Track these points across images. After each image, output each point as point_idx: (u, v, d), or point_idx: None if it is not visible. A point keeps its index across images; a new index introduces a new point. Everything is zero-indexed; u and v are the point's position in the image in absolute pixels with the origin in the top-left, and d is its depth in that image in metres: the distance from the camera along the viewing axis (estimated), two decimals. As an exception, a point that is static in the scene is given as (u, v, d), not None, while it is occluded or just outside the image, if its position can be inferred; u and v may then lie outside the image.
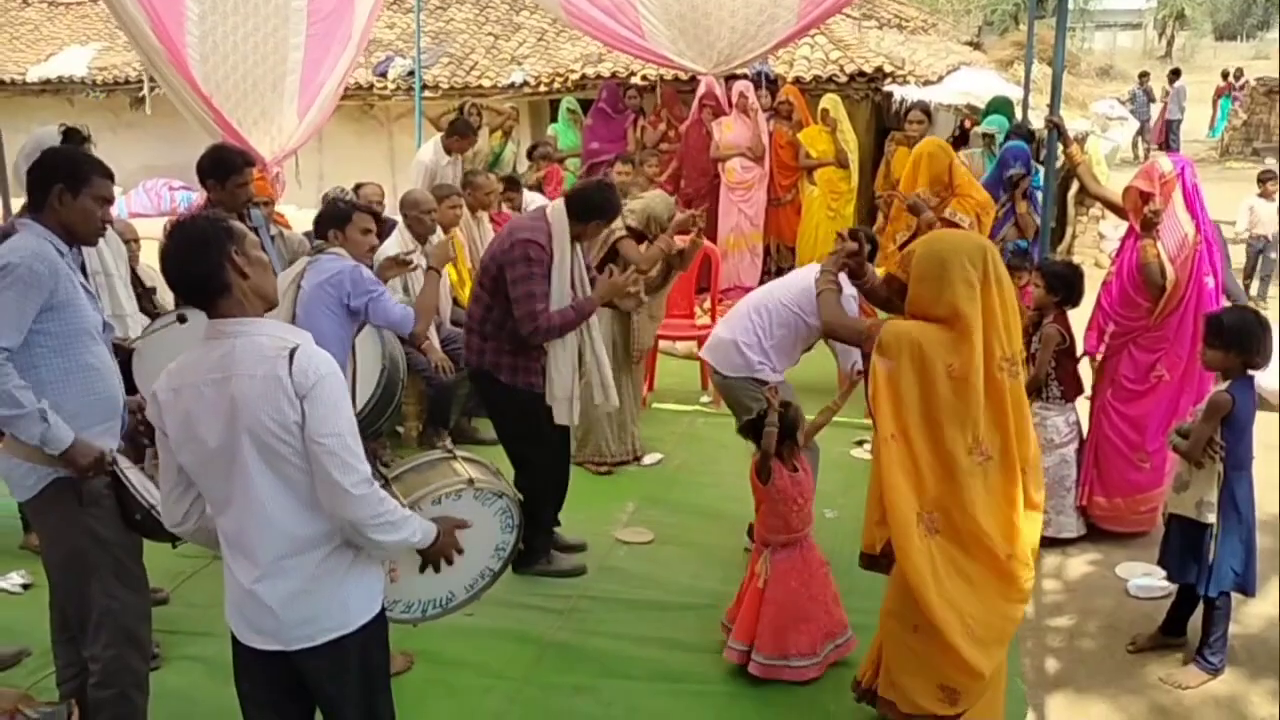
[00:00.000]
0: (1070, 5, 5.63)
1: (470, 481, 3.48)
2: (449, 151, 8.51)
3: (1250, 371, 4.06)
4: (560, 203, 4.82)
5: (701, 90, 9.76)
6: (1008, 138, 7.50)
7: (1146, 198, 4.94)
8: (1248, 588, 4.10)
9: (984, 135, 8.09)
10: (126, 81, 14.10)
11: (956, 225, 5.87)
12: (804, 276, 5.00)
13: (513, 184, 8.14)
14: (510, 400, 4.83)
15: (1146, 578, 4.74)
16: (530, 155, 9.57)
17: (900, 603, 3.46)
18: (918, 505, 3.31)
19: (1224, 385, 4.06)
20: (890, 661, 3.56)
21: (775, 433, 4.02)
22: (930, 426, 3.29)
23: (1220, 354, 4.05)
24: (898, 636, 3.51)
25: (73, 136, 4.29)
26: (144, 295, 5.11)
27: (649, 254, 5.67)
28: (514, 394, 4.79)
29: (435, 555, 2.88)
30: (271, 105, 7.66)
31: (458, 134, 8.51)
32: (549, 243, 4.69)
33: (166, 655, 4.21)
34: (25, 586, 4.84)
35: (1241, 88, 24.22)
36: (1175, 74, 23.50)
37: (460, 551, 2.95)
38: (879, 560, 3.51)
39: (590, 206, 4.75)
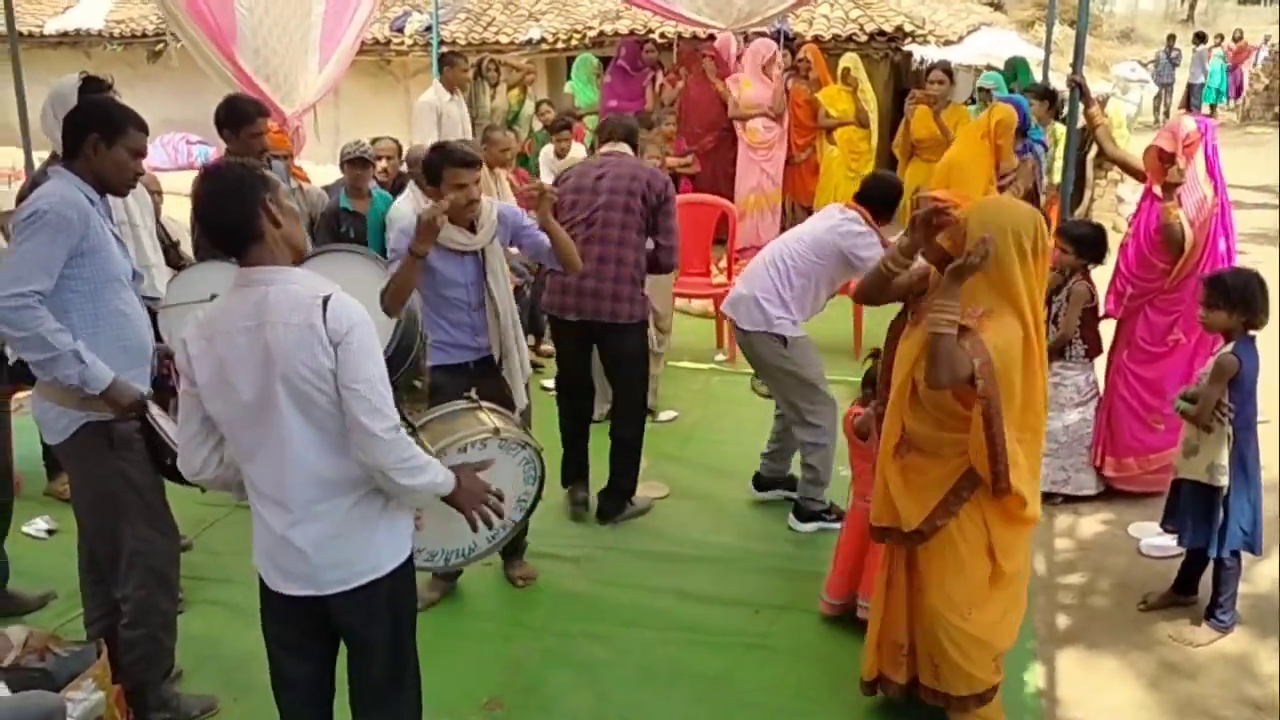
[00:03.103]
0: (1093, -34, 5.57)
1: (495, 431, 3.49)
2: (449, 89, 8.56)
3: (1252, 332, 4.08)
4: None
5: (718, 42, 9.71)
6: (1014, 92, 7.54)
7: (1168, 158, 4.91)
8: (1255, 547, 4.13)
9: (980, 89, 8.07)
10: (144, 35, 14.07)
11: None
12: (816, 224, 4.99)
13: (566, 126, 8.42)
14: (644, 336, 5.19)
15: (1159, 537, 4.76)
16: (552, 128, 9.34)
17: (956, 591, 3.30)
18: None
19: (1228, 347, 4.07)
20: (941, 653, 3.37)
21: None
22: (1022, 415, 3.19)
23: (1224, 315, 4.07)
24: (951, 626, 3.32)
25: (93, 85, 4.29)
26: (169, 248, 5.15)
27: None
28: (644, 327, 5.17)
29: (467, 499, 2.83)
30: (297, 60, 7.67)
31: (446, 68, 8.67)
32: None
33: (190, 600, 4.28)
34: (50, 532, 4.92)
35: (1240, 51, 23.99)
36: (1200, 38, 23.28)
37: (497, 496, 2.93)
38: (904, 535, 3.35)
39: None
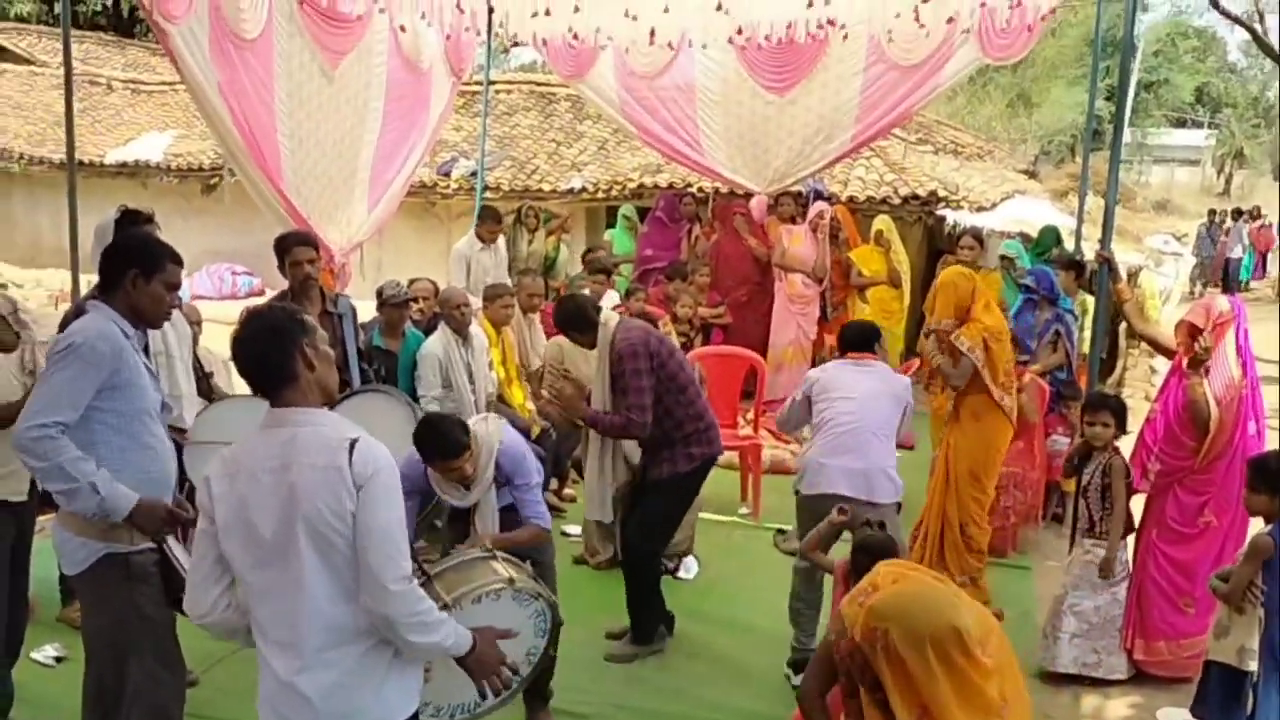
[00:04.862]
0: (1126, 139, 5.68)
1: (510, 581, 3.47)
2: (481, 239, 8.78)
3: None
4: None
5: (751, 203, 9.94)
6: (1047, 262, 7.64)
7: (1198, 334, 4.91)
8: (1286, 740, 3.98)
9: (1002, 258, 8.15)
10: (200, 168, 14.59)
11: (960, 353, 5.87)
12: (881, 386, 5.11)
13: (603, 271, 8.57)
14: None
15: (1188, 725, 4.61)
16: (589, 271, 9.53)
17: None
18: None
19: (1267, 528, 3.99)
20: None
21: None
22: None
23: (1266, 498, 4.00)
24: None
25: (130, 218, 4.44)
26: (202, 379, 5.23)
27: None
28: None
29: (479, 668, 2.79)
30: (344, 199, 7.94)
31: (484, 222, 8.91)
32: None
33: (192, 738, 4.20)
34: (59, 659, 4.86)
35: (1262, 230, 24.18)
36: (1237, 213, 23.51)
37: (509, 668, 2.89)
38: None
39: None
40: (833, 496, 4.70)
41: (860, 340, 5.26)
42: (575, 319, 5.12)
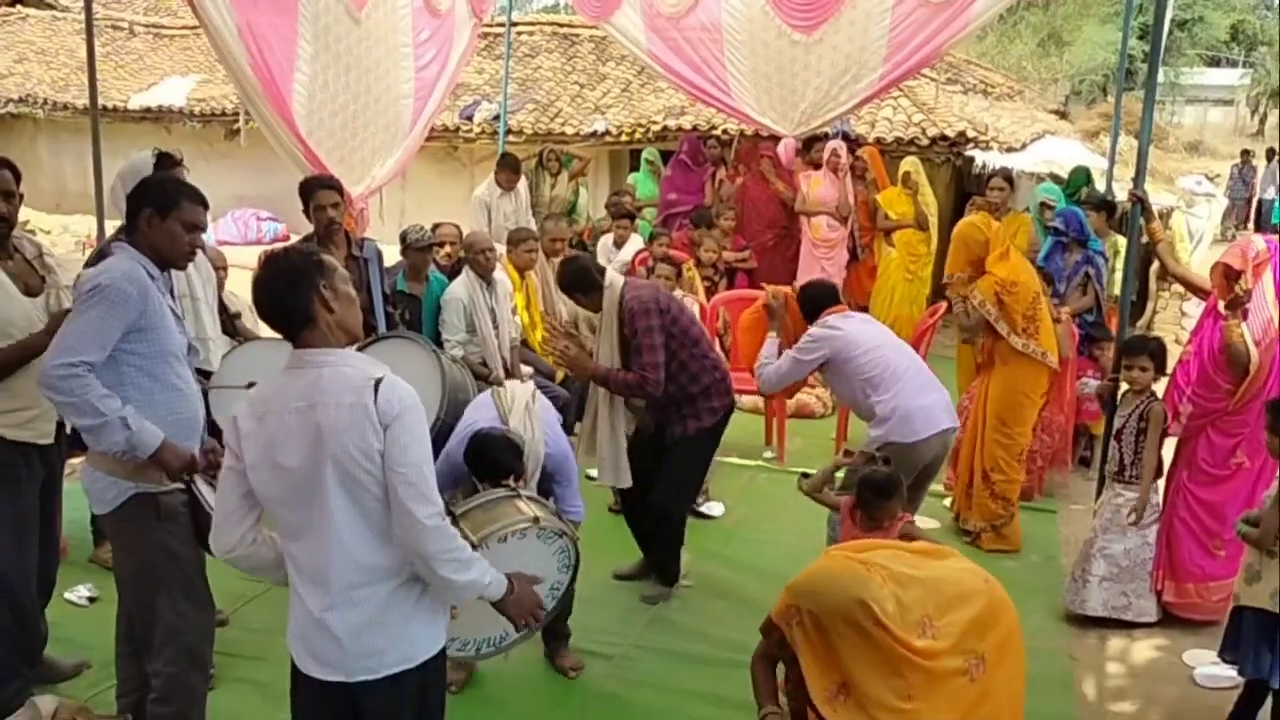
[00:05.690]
0: (1160, 79, 5.55)
1: (535, 520, 3.49)
2: (500, 186, 8.75)
3: None
4: None
5: (779, 148, 9.82)
6: (1078, 203, 7.52)
7: (1235, 275, 4.82)
8: (1318, 682, 3.94)
9: (1042, 205, 8.03)
10: (223, 113, 14.53)
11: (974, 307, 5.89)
12: (891, 334, 5.24)
13: (626, 215, 8.52)
14: None
15: (1215, 666, 4.58)
16: (613, 216, 9.48)
17: None
18: None
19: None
20: None
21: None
22: None
23: None
24: None
25: (166, 161, 4.43)
26: (228, 320, 5.25)
27: None
28: None
29: (518, 610, 2.86)
30: (381, 144, 7.88)
31: (503, 169, 8.89)
32: None
33: (222, 677, 4.26)
34: (91, 600, 4.94)
35: None
36: (1271, 153, 23.05)
37: (544, 609, 2.97)
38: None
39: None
40: (939, 434, 4.84)
41: (833, 297, 5.30)
42: (579, 280, 5.00)
